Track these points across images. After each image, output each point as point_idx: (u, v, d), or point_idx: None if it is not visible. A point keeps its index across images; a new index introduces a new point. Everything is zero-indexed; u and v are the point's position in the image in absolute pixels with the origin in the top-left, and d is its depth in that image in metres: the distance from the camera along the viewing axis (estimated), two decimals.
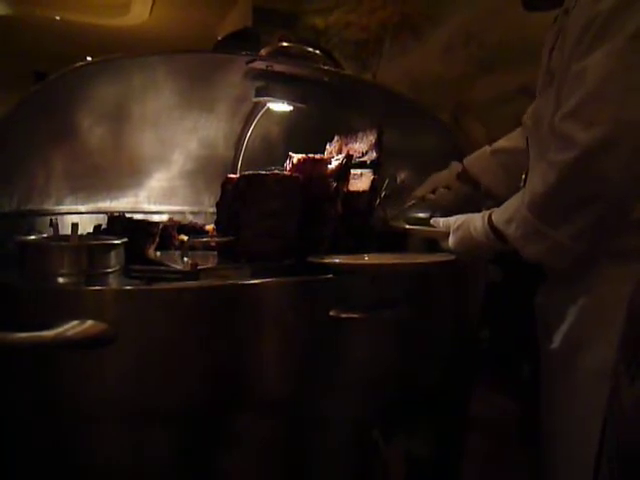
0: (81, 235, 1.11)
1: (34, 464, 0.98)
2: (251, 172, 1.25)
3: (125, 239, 1.08)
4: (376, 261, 1.21)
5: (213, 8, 5.24)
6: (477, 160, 1.45)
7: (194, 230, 1.47)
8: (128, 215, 1.36)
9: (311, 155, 1.35)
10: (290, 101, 1.64)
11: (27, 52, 5.93)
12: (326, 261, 1.12)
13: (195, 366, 0.97)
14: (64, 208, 1.48)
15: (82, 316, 0.88)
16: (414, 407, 1.19)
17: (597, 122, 0.87)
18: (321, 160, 1.35)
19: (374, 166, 1.36)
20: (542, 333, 1.11)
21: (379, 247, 1.33)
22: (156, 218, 1.62)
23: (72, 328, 0.86)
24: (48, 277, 0.99)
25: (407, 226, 1.33)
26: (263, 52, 1.56)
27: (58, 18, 5.46)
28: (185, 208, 1.81)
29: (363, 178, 1.36)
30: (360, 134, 1.41)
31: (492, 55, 2.96)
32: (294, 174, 1.29)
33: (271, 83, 1.59)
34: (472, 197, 1.44)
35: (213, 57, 1.64)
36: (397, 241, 1.38)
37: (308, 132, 1.79)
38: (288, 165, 1.36)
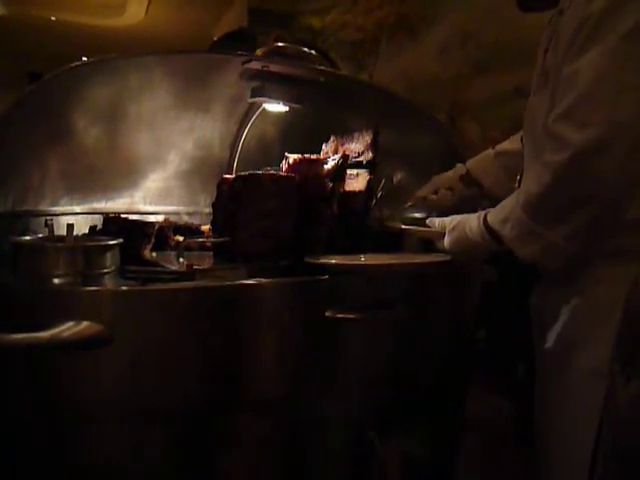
0: (76, 236, 1.11)
1: (32, 464, 0.98)
2: (247, 172, 1.25)
3: (121, 240, 1.08)
4: (372, 261, 1.21)
5: (209, 8, 5.24)
6: (480, 162, 1.45)
7: (190, 231, 1.47)
8: (124, 216, 1.36)
9: (307, 155, 1.36)
10: (286, 101, 1.64)
11: (22, 52, 5.92)
12: (322, 261, 1.12)
13: (191, 367, 0.97)
14: (59, 209, 1.48)
15: (78, 317, 0.88)
16: (410, 407, 1.19)
17: (590, 123, 0.87)
18: (317, 160, 1.35)
19: (370, 166, 1.36)
20: (537, 333, 1.11)
21: (375, 247, 1.33)
22: (152, 219, 1.61)
23: (68, 329, 0.86)
24: (43, 278, 0.99)
25: (403, 226, 1.33)
26: (259, 52, 1.56)
27: (53, 18, 5.45)
28: (181, 209, 1.81)
29: (359, 178, 1.36)
30: (356, 134, 1.41)
31: (488, 55, 2.97)
32: (290, 174, 1.29)
33: (267, 83, 1.59)
34: (474, 200, 1.43)
35: (209, 57, 1.64)
36: (393, 241, 1.38)
37: (304, 132, 1.79)
38: (284, 165, 1.36)
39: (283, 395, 1.06)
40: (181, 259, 1.16)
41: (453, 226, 1.17)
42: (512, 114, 1.33)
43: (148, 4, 5.23)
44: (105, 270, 1.03)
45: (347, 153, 1.36)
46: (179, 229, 1.45)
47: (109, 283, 1.02)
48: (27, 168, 1.37)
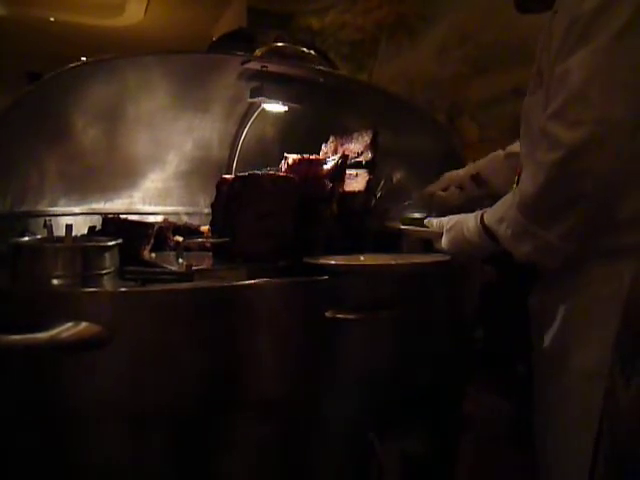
0: (75, 236, 1.10)
1: (29, 465, 0.97)
2: (246, 173, 1.25)
3: (120, 240, 1.07)
4: (372, 262, 1.21)
5: (208, 8, 5.24)
6: (490, 162, 1.45)
7: (189, 231, 1.47)
8: (123, 216, 1.36)
9: (306, 155, 1.35)
10: (285, 102, 1.64)
11: (21, 52, 5.91)
12: (321, 262, 1.12)
13: (190, 367, 0.97)
14: (58, 209, 1.47)
15: (77, 318, 0.87)
16: (409, 407, 1.19)
17: (581, 122, 0.88)
18: (316, 160, 1.35)
19: (369, 166, 1.36)
20: (535, 333, 1.11)
21: (375, 247, 1.33)
22: (151, 219, 1.61)
23: (66, 330, 0.86)
24: (42, 279, 0.99)
25: (401, 227, 1.33)
26: (258, 53, 1.56)
27: (52, 19, 5.45)
28: (180, 209, 1.81)
29: (358, 178, 1.36)
30: (355, 134, 1.42)
31: (487, 55, 2.96)
32: (289, 175, 1.29)
33: (266, 84, 1.59)
34: (481, 201, 1.43)
35: (208, 57, 1.64)
36: (393, 241, 1.38)
37: (303, 133, 1.79)
38: (283, 166, 1.36)
39: (282, 395, 1.05)
40: (180, 260, 1.16)
41: (451, 226, 1.17)
42: (511, 114, 1.33)
43: (147, 4, 5.23)
44: (104, 271, 1.03)
45: (346, 153, 1.36)
46: (178, 230, 1.44)
47: (108, 284, 1.02)
48: (26, 168, 1.36)
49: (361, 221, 1.34)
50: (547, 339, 1.06)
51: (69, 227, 1.03)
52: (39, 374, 0.93)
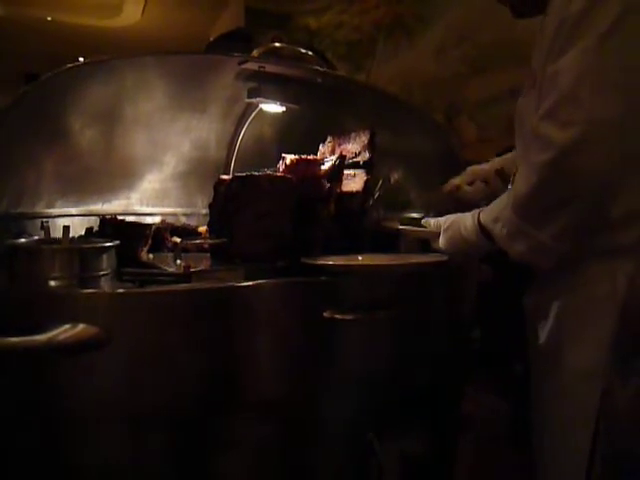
0: (72, 238, 1.10)
1: (26, 465, 0.97)
2: (244, 173, 1.25)
3: (117, 242, 1.07)
4: (369, 262, 1.21)
5: (205, 9, 5.24)
6: (512, 159, 1.44)
7: (187, 232, 1.46)
8: (120, 217, 1.36)
9: (304, 156, 1.35)
10: (283, 102, 1.64)
11: (19, 53, 5.91)
12: (319, 262, 1.12)
13: (188, 369, 0.97)
14: (55, 211, 1.47)
15: (74, 320, 0.87)
16: (408, 407, 1.19)
17: (572, 122, 0.88)
18: (314, 161, 1.34)
19: (367, 167, 1.36)
20: (530, 333, 1.11)
21: (372, 248, 1.33)
22: (148, 220, 1.61)
23: (64, 332, 0.86)
24: (40, 280, 0.98)
25: (399, 227, 1.33)
26: (255, 53, 1.56)
27: (50, 19, 5.44)
28: (178, 210, 1.80)
29: (356, 179, 1.36)
30: (353, 135, 1.42)
31: (484, 55, 2.97)
32: (287, 175, 1.29)
33: (263, 84, 1.59)
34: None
35: (205, 58, 1.63)
36: (390, 242, 1.38)
37: (301, 133, 1.79)
38: (281, 166, 1.35)
39: (281, 396, 1.05)
40: (178, 261, 1.16)
41: (448, 225, 1.17)
42: (509, 114, 1.32)
43: (144, 5, 5.23)
44: (101, 272, 1.03)
45: (344, 154, 1.36)
46: (176, 230, 1.44)
47: (106, 285, 1.01)
48: (23, 169, 1.36)
49: (359, 221, 1.34)
50: (542, 338, 1.07)
51: (66, 228, 1.03)
52: (37, 375, 0.93)
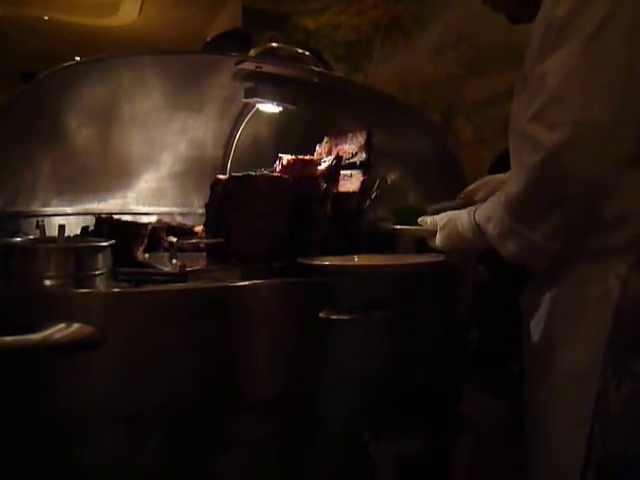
0: (68, 237, 1.10)
1: (25, 465, 0.97)
2: (241, 173, 1.25)
3: (113, 241, 1.07)
4: (366, 262, 1.21)
5: (202, 9, 5.23)
6: None
7: (183, 232, 1.46)
8: (116, 217, 1.35)
9: (301, 156, 1.35)
10: (280, 102, 1.64)
11: (15, 52, 5.89)
12: (316, 262, 1.12)
13: (184, 369, 0.97)
14: (51, 210, 1.47)
15: (69, 319, 0.87)
16: (404, 408, 1.19)
17: (559, 124, 0.88)
18: (311, 161, 1.34)
19: (364, 167, 1.36)
20: (525, 333, 1.12)
21: (369, 248, 1.33)
22: (144, 219, 1.61)
23: (59, 331, 0.85)
24: (34, 279, 0.98)
25: (395, 226, 1.33)
26: (252, 53, 1.56)
27: (46, 18, 5.43)
28: (174, 209, 1.80)
29: (353, 179, 1.36)
30: (350, 135, 1.41)
31: (482, 57, 2.98)
32: (284, 175, 1.29)
33: (260, 84, 1.59)
34: None
35: (202, 58, 1.63)
36: (387, 242, 1.38)
37: (298, 133, 1.79)
38: (278, 166, 1.35)
39: (277, 396, 1.05)
40: (174, 260, 1.16)
41: (444, 223, 1.17)
42: (505, 115, 1.32)
43: (142, 4, 5.22)
44: (97, 272, 1.02)
45: (341, 154, 1.36)
46: (172, 230, 1.44)
47: (101, 285, 1.01)
48: (18, 168, 1.36)
49: (356, 222, 1.34)
50: (535, 339, 1.07)
51: (62, 227, 1.02)
52: (33, 375, 0.92)
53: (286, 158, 1.34)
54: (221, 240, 1.22)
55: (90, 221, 1.35)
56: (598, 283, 0.96)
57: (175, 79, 1.56)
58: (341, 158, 1.33)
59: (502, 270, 1.30)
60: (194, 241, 1.32)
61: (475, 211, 1.09)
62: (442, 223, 1.18)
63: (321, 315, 1.02)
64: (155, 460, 1.00)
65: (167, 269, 1.10)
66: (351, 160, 1.38)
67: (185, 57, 1.58)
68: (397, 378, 1.21)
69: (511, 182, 0.99)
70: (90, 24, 5.57)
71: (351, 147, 1.39)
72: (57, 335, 0.85)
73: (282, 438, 1.08)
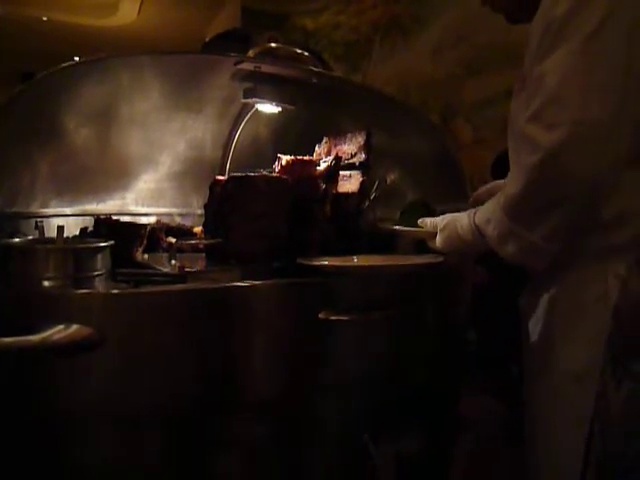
0: (67, 238, 1.09)
1: (24, 465, 0.97)
2: (240, 174, 1.25)
3: (112, 242, 1.07)
4: (365, 263, 1.21)
5: (201, 9, 5.23)
6: None
7: (182, 232, 1.46)
8: (115, 217, 1.35)
9: (300, 157, 1.35)
10: (279, 102, 1.64)
11: (14, 52, 5.89)
12: (315, 263, 1.12)
13: (184, 369, 0.97)
14: (50, 210, 1.47)
15: (68, 320, 0.87)
16: (404, 408, 1.19)
17: (558, 124, 0.88)
18: (310, 162, 1.34)
19: (363, 168, 1.36)
20: (524, 334, 1.12)
21: (369, 249, 1.33)
22: (143, 220, 1.61)
23: (58, 332, 0.85)
24: (33, 280, 0.98)
25: (395, 227, 1.33)
26: (251, 53, 1.56)
27: (46, 18, 5.43)
28: (173, 210, 1.80)
29: (352, 180, 1.36)
30: (349, 136, 1.41)
31: (481, 57, 2.98)
32: (283, 176, 1.29)
33: (259, 84, 1.58)
34: None
35: (201, 58, 1.63)
36: (387, 243, 1.38)
37: (297, 133, 1.79)
38: (277, 167, 1.35)
39: (276, 397, 1.05)
40: (173, 261, 1.16)
41: (444, 225, 1.17)
42: (504, 116, 1.32)
43: (141, 4, 5.22)
44: (96, 272, 1.02)
45: (340, 154, 1.36)
46: (171, 231, 1.44)
47: (100, 286, 1.01)
48: (17, 169, 1.36)
49: (355, 222, 1.34)
50: (534, 339, 1.07)
51: (60, 228, 1.02)
52: (31, 375, 0.92)
53: (285, 158, 1.34)
54: (220, 241, 1.21)
55: (89, 222, 1.35)
56: (597, 283, 0.96)
57: (174, 79, 1.56)
58: (340, 158, 1.33)
59: (501, 271, 1.31)
60: (193, 242, 1.32)
61: (475, 213, 1.09)
62: (442, 225, 1.17)
63: (320, 316, 1.02)
64: (155, 460, 0.99)
65: (166, 270, 1.10)
66: (350, 160, 1.38)
67: (184, 57, 1.57)
68: (396, 378, 1.21)
69: (510, 183, 0.99)
70: (89, 24, 5.58)
71: (350, 147, 1.39)
72: (56, 336, 0.85)
73: (282, 438, 1.08)
